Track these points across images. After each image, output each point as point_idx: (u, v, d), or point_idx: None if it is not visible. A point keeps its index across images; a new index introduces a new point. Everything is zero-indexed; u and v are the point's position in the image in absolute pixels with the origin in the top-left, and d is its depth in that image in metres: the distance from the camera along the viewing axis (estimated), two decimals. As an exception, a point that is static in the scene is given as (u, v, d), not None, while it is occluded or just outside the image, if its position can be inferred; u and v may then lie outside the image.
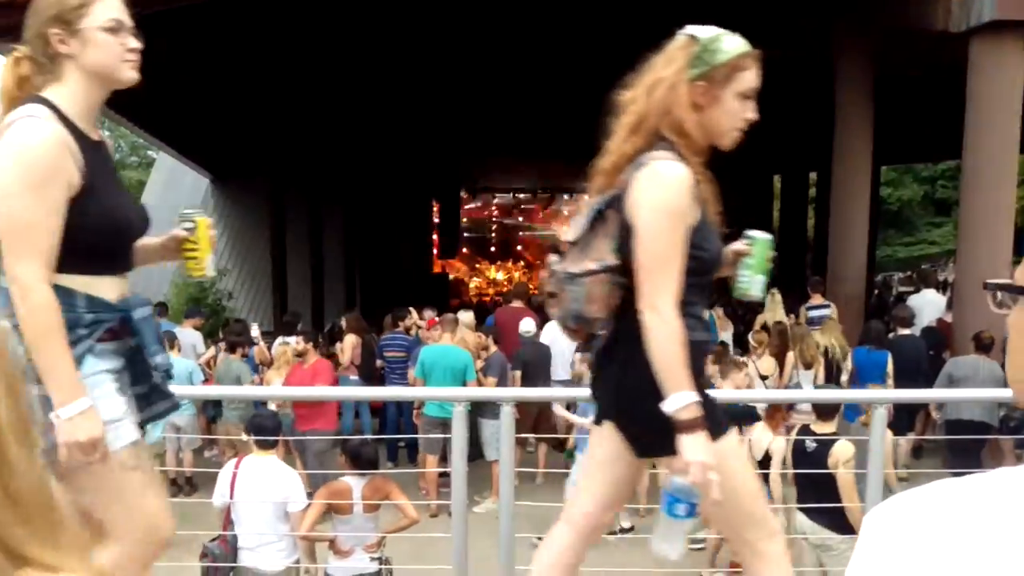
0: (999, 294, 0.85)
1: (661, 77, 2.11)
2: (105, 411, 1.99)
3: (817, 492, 4.78)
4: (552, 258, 2.26)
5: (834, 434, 5.12)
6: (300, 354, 7.55)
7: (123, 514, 2.04)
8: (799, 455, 5.22)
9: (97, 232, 1.99)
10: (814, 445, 5.11)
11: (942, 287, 13.28)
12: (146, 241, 2.27)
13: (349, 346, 9.14)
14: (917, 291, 11.52)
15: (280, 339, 8.88)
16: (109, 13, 1.99)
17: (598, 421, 2.36)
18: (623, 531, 6.67)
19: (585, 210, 2.23)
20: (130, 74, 2.04)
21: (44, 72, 2.01)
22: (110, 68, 2.01)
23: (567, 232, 2.22)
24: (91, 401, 1.91)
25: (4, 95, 2.02)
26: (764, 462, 5.39)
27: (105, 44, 1.99)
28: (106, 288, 2.05)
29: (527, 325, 8.53)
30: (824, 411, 5.21)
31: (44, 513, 0.68)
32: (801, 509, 5.00)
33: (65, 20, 1.96)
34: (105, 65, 2.00)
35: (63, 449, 1.88)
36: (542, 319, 8.99)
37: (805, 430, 5.30)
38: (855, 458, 4.71)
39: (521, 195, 26.86)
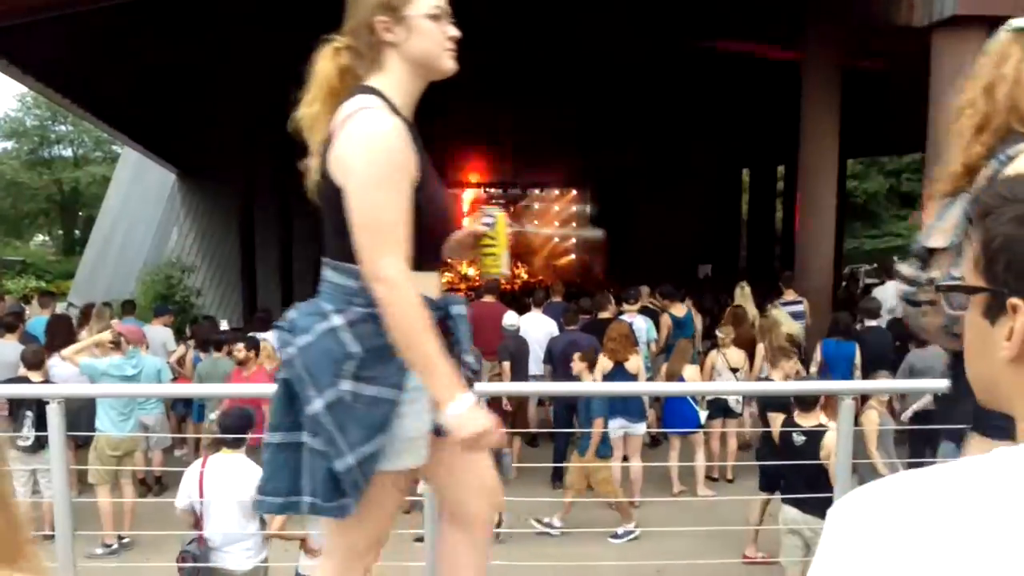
0: (953, 296, 0.86)
1: (1001, 75, 2.09)
2: (411, 428, 1.94)
3: (807, 484, 4.83)
4: (904, 268, 2.19)
5: (820, 426, 5.18)
6: (241, 363, 7.29)
7: (365, 529, 2.03)
8: (787, 449, 5.27)
9: (427, 226, 1.94)
10: (802, 439, 5.15)
11: (907, 279, 13.46)
12: None
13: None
14: (882, 283, 11.67)
15: (263, 335, 8.86)
16: (433, 0, 1.97)
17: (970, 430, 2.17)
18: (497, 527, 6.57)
19: (940, 214, 2.16)
20: (450, 64, 2.00)
21: (365, 62, 1.97)
22: (433, 57, 1.98)
23: (930, 239, 2.12)
24: (473, 396, 1.87)
25: (324, 85, 1.99)
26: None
27: (429, 32, 1.96)
28: (431, 285, 2.00)
29: (511, 319, 8.56)
30: (805, 403, 5.25)
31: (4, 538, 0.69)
32: (791, 501, 5.06)
33: (392, 7, 1.94)
34: (428, 54, 1.97)
35: (459, 444, 1.86)
36: (518, 313, 9.03)
37: (789, 423, 5.35)
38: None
39: (492, 190, 26.82)
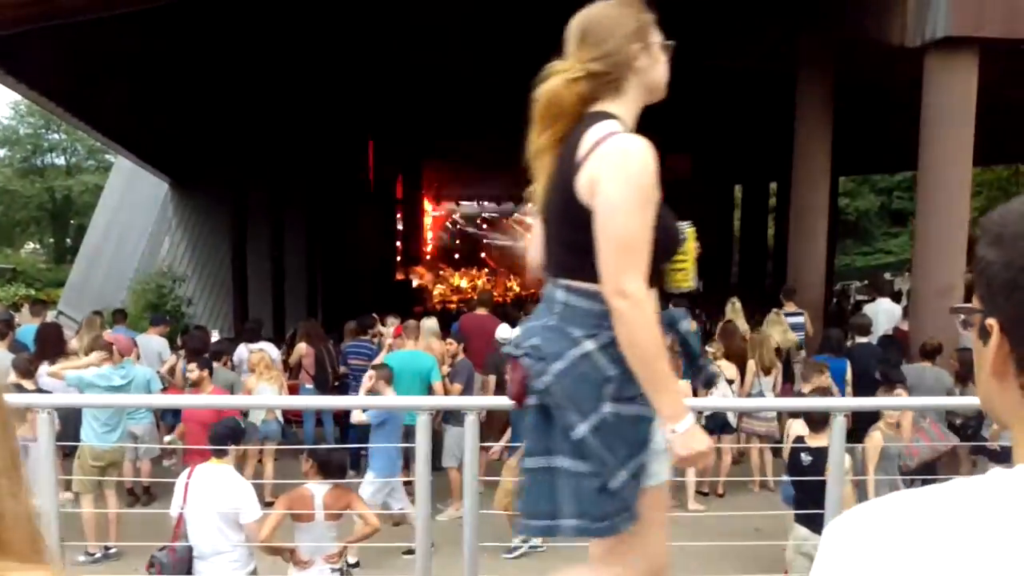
0: (963, 316, 0.88)
1: None
2: (661, 441, 2.00)
3: (816, 503, 4.83)
4: None
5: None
6: (195, 384, 7.01)
7: (637, 548, 2.05)
8: (796, 467, 5.25)
9: (660, 247, 1.98)
10: (810, 459, 5.14)
11: (896, 296, 13.54)
12: None
13: (297, 354, 9.24)
14: (872, 300, 11.72)
15: (257, 346, 8.86)
16: (657, 31, 2.08)
17: None
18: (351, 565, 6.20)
19: None
20: (665, 90, 2.12)
21: (606, 88, 2.03)
22: (662, 82, 2.09)
23: None
24: (694, 415, 1.93)
25: (561, 112, 2.03)
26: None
27: (663, 59, 2.08)
28: (653, 303, 2.01)
29: (504, 331, 8.53)
30: (814, 422, 5.22)
31: (24, 539, 0.71)
32: (802, 519, 5.05)
33: (644, 35, 2.04)
34: (660, 79, 2.08)
35: (680, 461, 1.95)
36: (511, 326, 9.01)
37: (799, 441, 5.34)
38: (851, 468, 4.77)
39: (486, 203, 26.87)
